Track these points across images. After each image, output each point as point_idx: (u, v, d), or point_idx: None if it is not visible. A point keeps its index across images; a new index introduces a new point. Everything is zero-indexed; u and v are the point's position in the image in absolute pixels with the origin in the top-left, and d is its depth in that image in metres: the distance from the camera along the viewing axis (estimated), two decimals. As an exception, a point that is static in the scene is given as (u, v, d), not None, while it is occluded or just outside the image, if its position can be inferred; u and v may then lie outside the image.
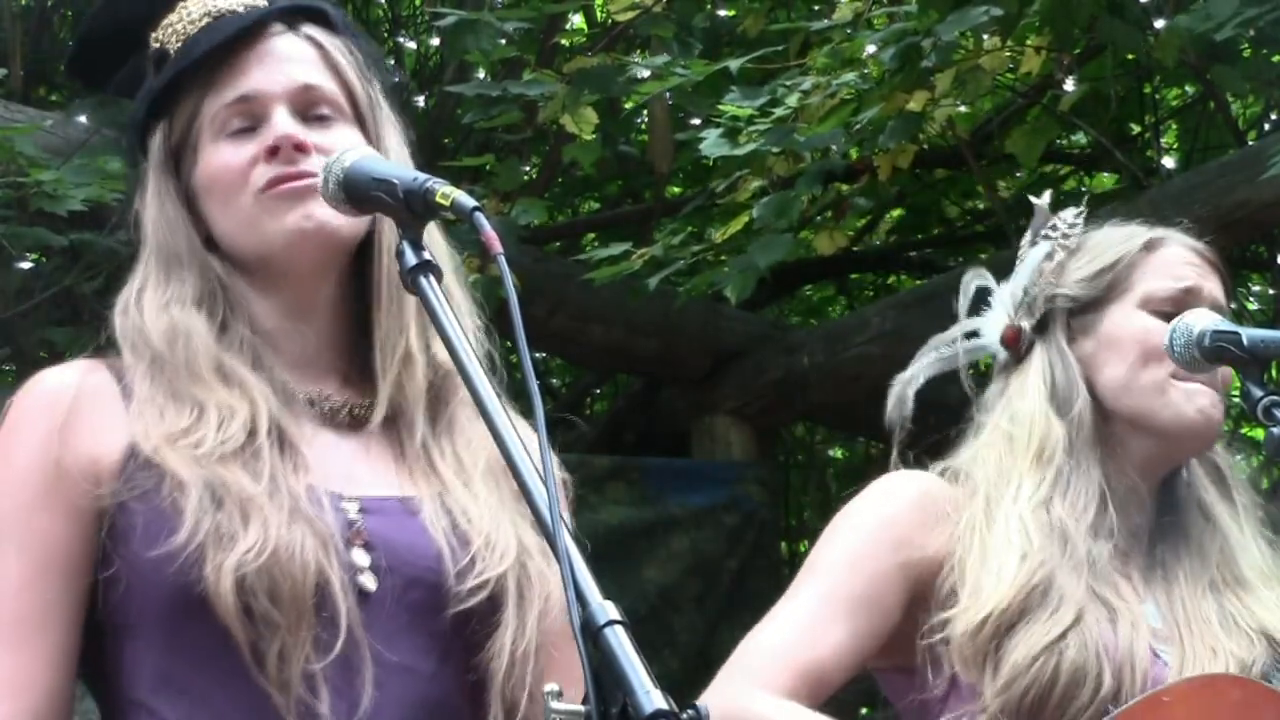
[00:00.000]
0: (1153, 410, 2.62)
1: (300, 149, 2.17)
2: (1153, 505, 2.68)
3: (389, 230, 2.19)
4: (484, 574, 2.11)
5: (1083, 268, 2.71)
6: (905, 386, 2.78)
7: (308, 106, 2.22)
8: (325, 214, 2.15)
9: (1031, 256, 2.77)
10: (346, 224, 2.17)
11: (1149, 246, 2.70)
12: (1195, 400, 2.61)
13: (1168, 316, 2.61)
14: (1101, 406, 2.65)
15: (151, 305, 2.20)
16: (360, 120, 2.25)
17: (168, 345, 2.17)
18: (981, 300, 2.82)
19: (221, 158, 2.20)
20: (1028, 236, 2.81)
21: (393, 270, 2.17)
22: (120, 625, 2.11)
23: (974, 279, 2.83)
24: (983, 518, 2.56)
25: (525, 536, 2.15)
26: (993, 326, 2.78)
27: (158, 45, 2.25)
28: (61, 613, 2.12)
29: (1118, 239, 2.73)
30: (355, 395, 2.23)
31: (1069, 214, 2.79)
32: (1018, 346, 2.73)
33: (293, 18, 2.26)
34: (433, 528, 2.14)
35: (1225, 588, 2.62)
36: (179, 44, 2.23)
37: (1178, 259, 2.70)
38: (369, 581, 2.10)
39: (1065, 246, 2.74)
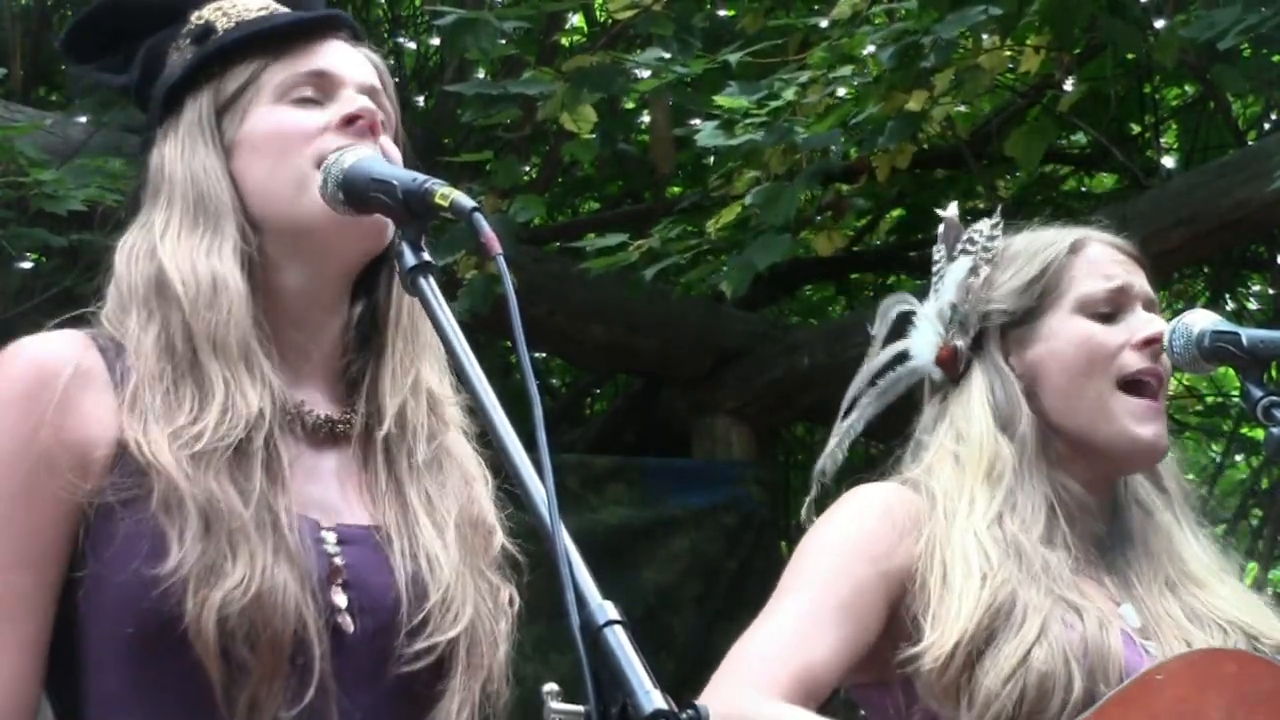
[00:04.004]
0: (1095, 428, 2.60)
1: (374, 131, 2.16)
2: (1108, 513, 2.67)
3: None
4: (434, 636, 2.08)
5: (1012, 279, 2.68)
6: (844, 438, 2.77)
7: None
8: None
9: (953, 273, 2.73)
10: (388, 230, 2.15)
11: (1075, 248, 2.68)
12: (1143, 422, 2.59)
13: (1104, 318, 2.62)
14: (1047, 421, 2.63)
15: (183, 251, 2.12)
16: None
17: (206, 296, 2.08)
18: (904, 325, 2.79)
19: (287, 116, 2.16)
20: (940, 250, 2.77)
21: (413, 308, 2.17)
22: (85, 635, 2.04)
23: (895, 304, 2.82)
24: (942, 534, 2.55)
25: (482, 603, 2.13)
26: (924, 347, 2.75)
27: (200, 21, 2.22)
28: (33, 605, 2.04)
29: (1042, 244, 2.70)
30: (336, 408, 2.18)
31: (985, 225, 2.75)
32: (955, 366, 2.70)
33: (355, 35, 2.27)
34: (398, 570, 2.10)
35: (1181, 585, 2.61)
36: (230, 24, 2.21)
37: (1105, 257, 2.68)
38: (347, 623, 2.07)
39: (988, 259, 2.71)
